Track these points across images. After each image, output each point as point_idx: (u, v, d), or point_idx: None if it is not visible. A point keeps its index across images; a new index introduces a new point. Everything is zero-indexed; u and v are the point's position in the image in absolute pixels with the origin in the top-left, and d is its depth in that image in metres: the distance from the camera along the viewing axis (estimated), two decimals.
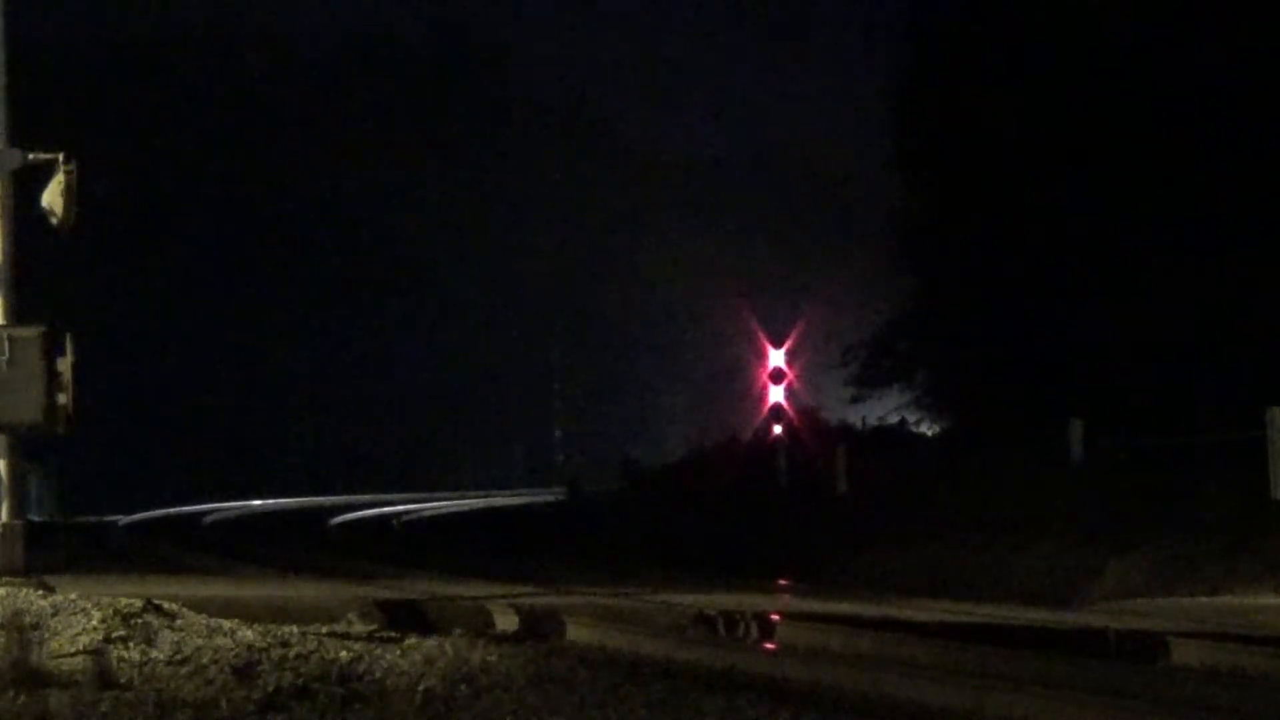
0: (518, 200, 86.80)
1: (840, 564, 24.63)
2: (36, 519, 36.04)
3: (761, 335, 43.71)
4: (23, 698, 10.31)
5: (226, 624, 13.28)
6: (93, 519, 45.91)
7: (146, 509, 49.67)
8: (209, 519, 45.87)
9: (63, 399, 15.92)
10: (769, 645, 13.91)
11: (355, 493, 63.10)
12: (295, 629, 13.52)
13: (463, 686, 10.74)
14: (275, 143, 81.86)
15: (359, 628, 14.42)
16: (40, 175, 16.88)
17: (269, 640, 12.51)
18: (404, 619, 15.01)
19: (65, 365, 16.02)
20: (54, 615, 13.28)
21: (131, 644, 12.24)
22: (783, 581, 22.12)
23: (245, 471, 72.83)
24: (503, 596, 16.52)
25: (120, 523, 43.27)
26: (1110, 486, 24.50)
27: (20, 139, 17.00)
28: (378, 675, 11.25)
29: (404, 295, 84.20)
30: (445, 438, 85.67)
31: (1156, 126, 29.98)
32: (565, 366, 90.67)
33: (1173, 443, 24.00)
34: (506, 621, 14.77)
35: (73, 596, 14.26)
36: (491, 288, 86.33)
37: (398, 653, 12.17)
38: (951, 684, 10.73)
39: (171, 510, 50.13)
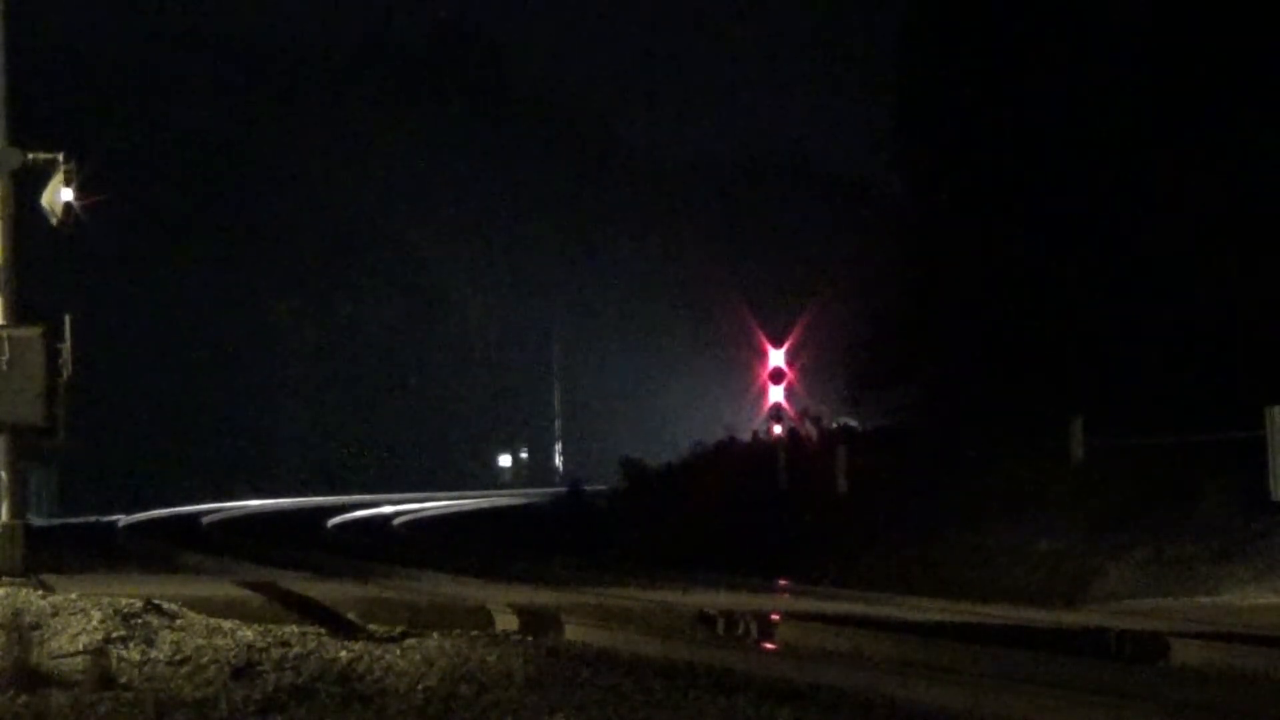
0: (518, 200, 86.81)
1: (840, 564, 24.60)
2: (36, 519, 36.06)
3: (761, 335, 43.68)
4: (23, 698, 10.31)
5: (226, 624, 13.28)
6: (92, 519, 45.89)
7: (146, 509, 49.67)
8: (208, 519, 45.80)
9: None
10: (769, 645, 13.91)
11: (355, 493, 63.09)
12: (295, 629, 13.51)
13: (463, 686, 10.73)
14: (275, 142, 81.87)
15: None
16: (40, 175, 16.90)
17: (269, 640, 12.51)
18: (401, 619, 15.00)
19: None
20: (54, 615, 13.28)
21: (131, 644, 12.24)
22: (783, 581, 22.10)
23: (245, 471, 72.85)
24: (502, 596, 16.50)
25: (120, 523, 43.25)
26: (1110, 486, 24.48)
27: (20, 139, 17.01)
28: (378, 675, 11.24)
29: (404, 294, 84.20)
30: (445, 438, 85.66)
31: (1156, 125, 29.96)
32: (565, 367, 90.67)
33: (1173, 442, 23.96)
34: (506, 621, 14.76)
35: (73, 596, 14.26)
36: (491, 287, 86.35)
37: (398, 653, 12.15)
38: (950, 684, 10.72)
39: (171, 510, 50.11)
